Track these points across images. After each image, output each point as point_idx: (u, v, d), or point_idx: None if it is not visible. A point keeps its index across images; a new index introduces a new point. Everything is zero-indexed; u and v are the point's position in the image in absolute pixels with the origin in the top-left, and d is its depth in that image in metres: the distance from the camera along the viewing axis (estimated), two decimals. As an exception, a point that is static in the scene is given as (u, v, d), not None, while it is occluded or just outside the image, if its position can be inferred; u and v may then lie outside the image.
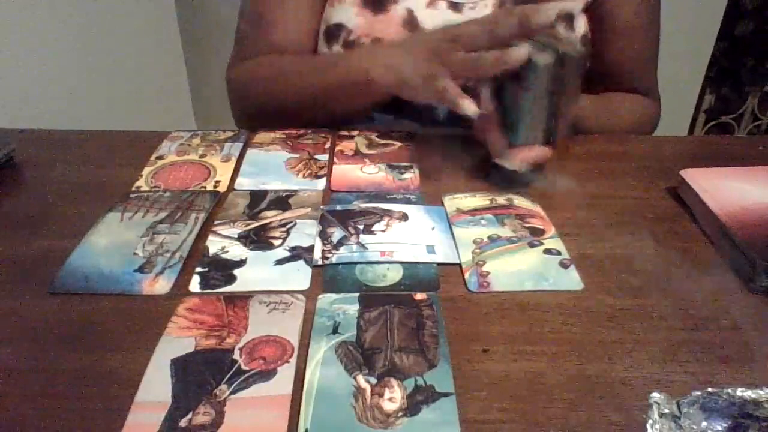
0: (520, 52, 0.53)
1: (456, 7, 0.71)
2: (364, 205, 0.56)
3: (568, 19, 0.68)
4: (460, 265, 0.49)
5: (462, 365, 0.39)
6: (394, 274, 0.48)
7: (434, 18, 0.71)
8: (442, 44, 0.59)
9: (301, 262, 0.49)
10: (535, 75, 0.53)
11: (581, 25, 0.72)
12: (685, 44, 1.34)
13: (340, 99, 0.68)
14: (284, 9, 0.74)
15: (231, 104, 0.78)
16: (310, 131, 0.70)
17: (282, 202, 0.57)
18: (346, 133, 0.70)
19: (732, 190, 0.54)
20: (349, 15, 0.72)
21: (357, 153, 0.66)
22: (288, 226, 0.53)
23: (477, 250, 0.50)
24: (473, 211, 0.55)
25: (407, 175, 0.62)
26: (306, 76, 0.70)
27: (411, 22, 0.71)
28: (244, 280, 0.47)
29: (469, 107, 0.56)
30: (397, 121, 0.75)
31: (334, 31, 0.73)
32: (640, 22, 0.75)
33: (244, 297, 0.45)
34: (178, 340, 0.41)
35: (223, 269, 0.48)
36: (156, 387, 0.37)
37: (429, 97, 0.61)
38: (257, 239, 0.51)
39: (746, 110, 1.88)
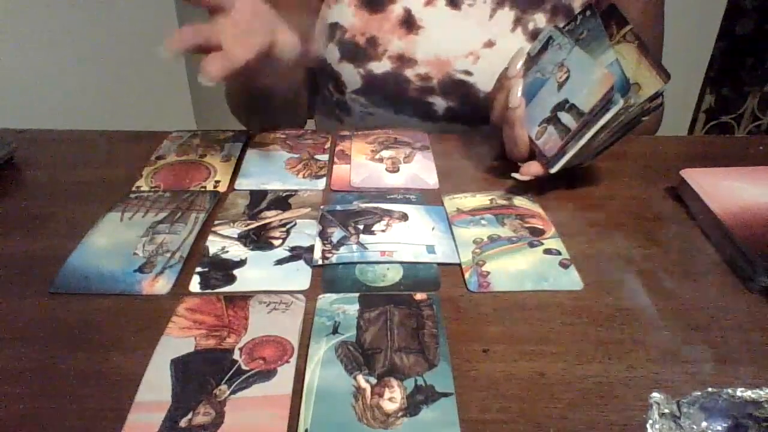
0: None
1: (455, 4, 0.71)
2: (364, 205, 0.56)
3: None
4: (460, 265, 0.49)
5: (462, 365, 0.39)
6: (394, 274, 0.48)
7: (433, 16, 0.71)
8: None
9: (301, 262, 0.49)
10: (609, 109, 0.52)
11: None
12: (685, 44, 1.34)
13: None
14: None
15: None
16: (309, 131, 0.70)
17: (282, 202, 0.57)
18: (346, 133, 0.70)
19: (732, 190, 0.54)
20: (346, 15, 0.72)
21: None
22: (288, 226, 0.53)
23: (477, 250, 0.50)
24: (473, 211, 0.55)
25: (407, 175, 0.62)
26: None
27: (408, 21, 0.71)
28: (244, 280, 0.47)
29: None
30: (397, 116, 0.75)
31: (331, 30, 0.73)
32: (646, 21, 0.74)
33: (244, 297, 0.45)
34: (178, 340, 0.41)
35: (223, 269, 0.48)
36: (156, 387, 0.37)
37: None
38: (257, 239, 0.51)
39: (746, 110, 1.88)
